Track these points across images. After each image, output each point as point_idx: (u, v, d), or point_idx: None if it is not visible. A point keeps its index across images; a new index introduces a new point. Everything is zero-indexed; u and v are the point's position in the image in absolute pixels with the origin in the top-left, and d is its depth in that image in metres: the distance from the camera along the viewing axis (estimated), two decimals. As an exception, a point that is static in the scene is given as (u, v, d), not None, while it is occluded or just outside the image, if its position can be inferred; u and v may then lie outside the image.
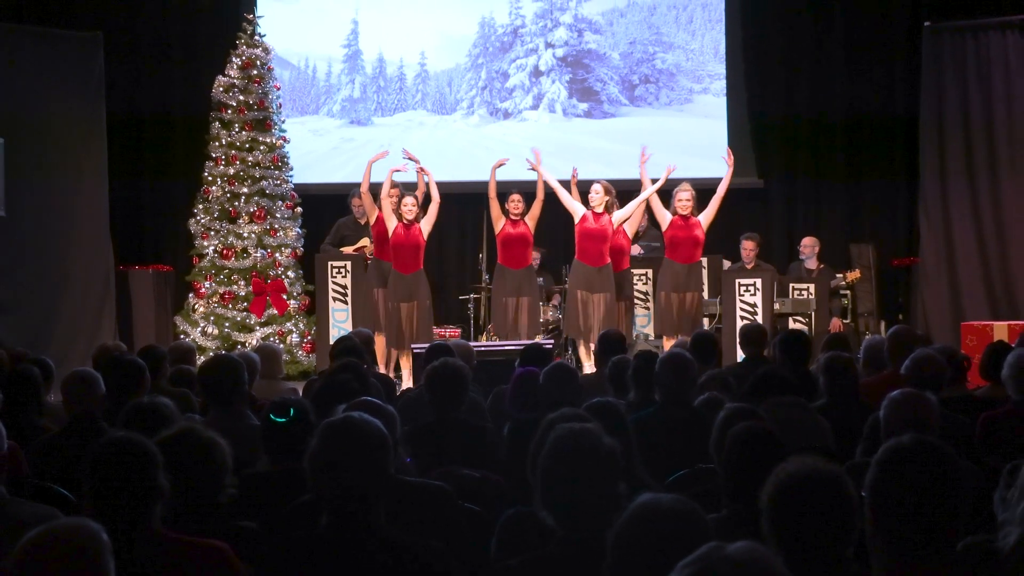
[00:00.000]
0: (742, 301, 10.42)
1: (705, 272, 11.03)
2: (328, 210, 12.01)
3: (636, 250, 11.60)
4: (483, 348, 9.30)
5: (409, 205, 10.24)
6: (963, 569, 2.73)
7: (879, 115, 12.83)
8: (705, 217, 10.36)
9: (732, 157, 10.71)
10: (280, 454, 4.19)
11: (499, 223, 10.45)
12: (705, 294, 10.84)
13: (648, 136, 13.10)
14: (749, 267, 11.22)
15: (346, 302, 11.03)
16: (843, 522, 2.69)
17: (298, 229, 12.03)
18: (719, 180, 12.88)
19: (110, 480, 3.03)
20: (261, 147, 11.84)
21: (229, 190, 11.72)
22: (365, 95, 13.34)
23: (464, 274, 12.64)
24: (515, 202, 10.58)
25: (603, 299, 10.20)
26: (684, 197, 10.32)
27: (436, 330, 11.37)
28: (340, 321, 10.95)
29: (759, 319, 10.14)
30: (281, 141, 12.05)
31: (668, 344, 9.90)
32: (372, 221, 10.61)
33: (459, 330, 11.60)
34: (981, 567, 2.78)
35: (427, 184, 10.49)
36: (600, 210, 10.32)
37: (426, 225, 10.30)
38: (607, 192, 10.38)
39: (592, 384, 6.41)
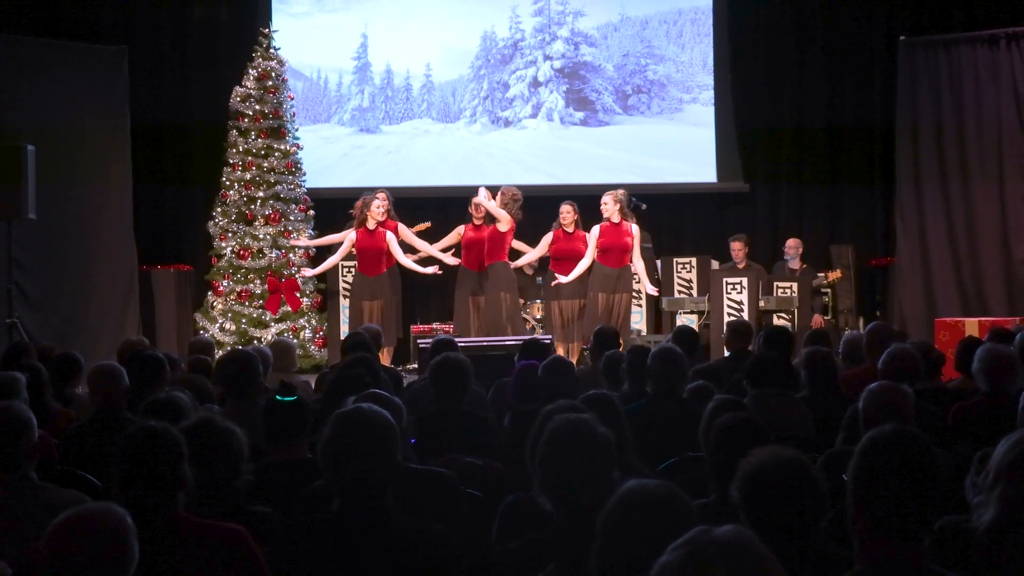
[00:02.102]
0: (729, 299, 10.43)
1: (695, 272, 11.02)
2: (339, 213, 11.97)
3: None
4: (484, 343, 9.28)
5: (375, 208, 10.23)
6: (939, 548, 2.74)
7: (857, 123, 12.83)
8: (635, 249, 10.24)
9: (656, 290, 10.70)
10: (279, 435, 4.20)
11: (455, 236, 10.60)
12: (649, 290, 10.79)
13: (640, 144, 13.16)
14: (740, 267, 11.24)
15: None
16: (807, 503, 2.74)
17: (311, 231, 12.01)
18: (706, 184, 12.99)
19: (139, 467, 3.03)
20: (276, 154, 11.84)
21: (246, 194, 11.71)
22: (374, 104, 13.34)
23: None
24: (479, 207, 10.55)
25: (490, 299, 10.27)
26: (608, 201, 10.14)
27: (440, 326, 11.36)
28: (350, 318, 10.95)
29: (745, 316, 10.14)
30: (295, 148, 12.04)
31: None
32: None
33: None
34: (956, 545, 2.79)
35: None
36: (479, 222, 10.44)
37: (395, 243, 10.32)
38: (490, 199, 10.34)
39: (588, 377, 6.42)
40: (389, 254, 10.36)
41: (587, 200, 10.56)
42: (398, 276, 10.77)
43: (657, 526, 2.35)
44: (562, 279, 10.07)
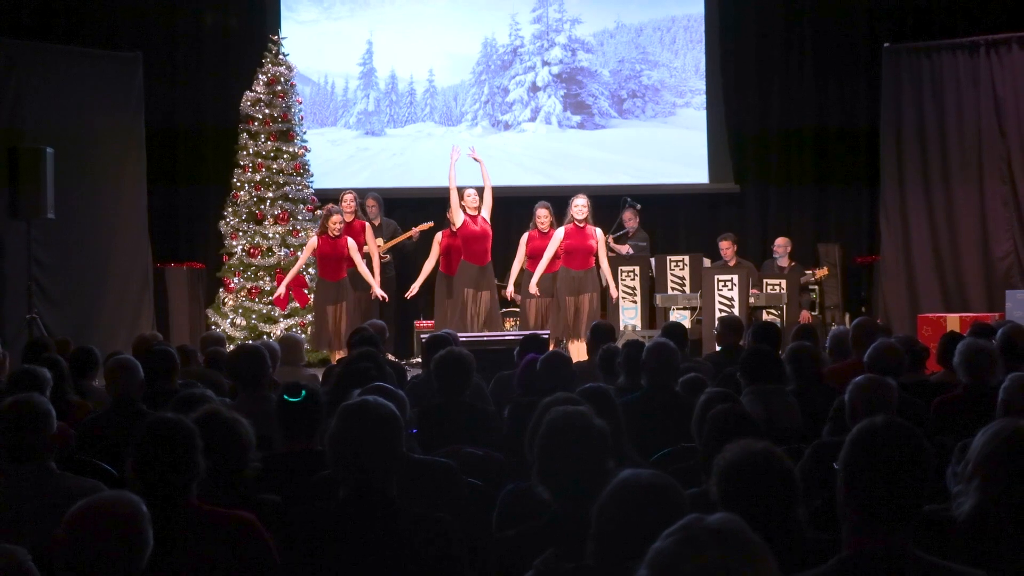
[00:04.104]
0: (720, 295, 10.43)
1: (688, 269, 11.02)
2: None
3: (626, 249, 11.61)
4: (484, 338, 9.26)
5: (332, 223, 10.23)
6: (920, 535, 2.74)
7: (844, 127, 12.83)
8: (600, 251, 10.16)
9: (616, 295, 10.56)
10: (292, 431, 4.19)
11: (458, 216, 10.33)
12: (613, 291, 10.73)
13: (635, 146, 13.17)
14: (731, 264, 11.24)
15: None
16: (780, 492, 2.76)
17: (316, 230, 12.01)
18: (698, 185, 13.01)
19: (154, 456, 3.03)
20: (284, 156, 11.84)
21: (256, 195, 11.71)
22: (379, 108, 13.34)
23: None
24: (471, 197, 10.49)
25: (485, 296, 10.20)
26: (580, 205, 10.05)
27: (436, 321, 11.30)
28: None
29: (736, 311, 10.14)
30: (303, 150, 12.04)
31: (572, 347, 9.81)
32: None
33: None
34: (936, 533, 2.79)
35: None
36: (475, 213, 10.27)
37: (356, 250, 10.27)
38: (480, 195, 10.32)
39: (584, 371, 6.42)
40: (350, 258, 10.33)
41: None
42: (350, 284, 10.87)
43: (650, 514, 2.36)
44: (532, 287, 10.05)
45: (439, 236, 10.68)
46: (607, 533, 2.44)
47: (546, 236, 10.18)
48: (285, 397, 4.17)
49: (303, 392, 4.16)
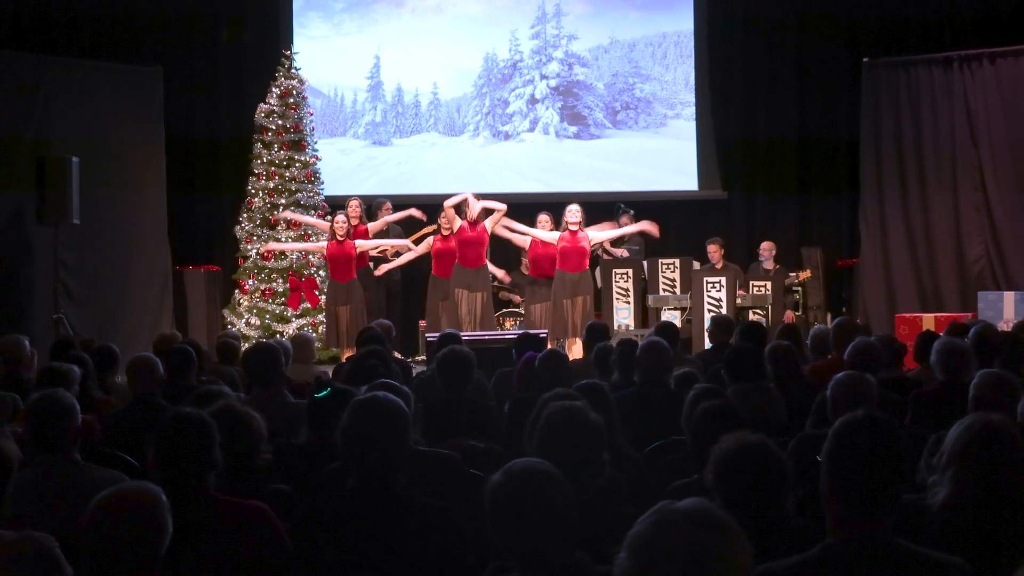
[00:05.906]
0: (709, 296, 10.43)
1: (678, 272, 11.01)
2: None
3: (621, 252, 11.61)
4: (486, 337, 9.26)
5: (340, 222, 10.39)
6: (899, 522, 2.74)
7: (825, 137, 12.83)
8: (595, 235, 10.36)
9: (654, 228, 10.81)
10: (316, 425, 4.19)
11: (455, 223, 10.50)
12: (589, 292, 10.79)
13: (628, 155, 13.16)
14: (719, 267, 11.24)
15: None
16: (773, 482, 2.77)
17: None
18: (688, 192, 13.01)
19: (174, 449, 3.03)
20: (296, 164, 11.83)
21: (269, 201, 11.71)
22: (386, 120, 13.34)
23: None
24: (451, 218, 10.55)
25: (479, 297, 10.23)
26: (573, 211, 10.22)
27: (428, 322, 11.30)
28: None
29: (723, 311, 10.13)
30: (313, 159, 12.04)
31: (570, 346, 9.85)
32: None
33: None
34: (913, 520, 2.79)
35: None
36: (474, 219, 10.32)
37: (361, 246, 10.48)
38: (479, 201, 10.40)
39: (580, 368, 6.42)
40: (359, 259, 10.50)
41: (583, 207, 10.61)
42: (371, 277, 10.94)
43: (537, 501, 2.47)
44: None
45: (431, 240, 10.78)
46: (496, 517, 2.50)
47: (547, 243, 10.28)
48: (315, 396, 4.19)
49: (327, 389, 4.18)
